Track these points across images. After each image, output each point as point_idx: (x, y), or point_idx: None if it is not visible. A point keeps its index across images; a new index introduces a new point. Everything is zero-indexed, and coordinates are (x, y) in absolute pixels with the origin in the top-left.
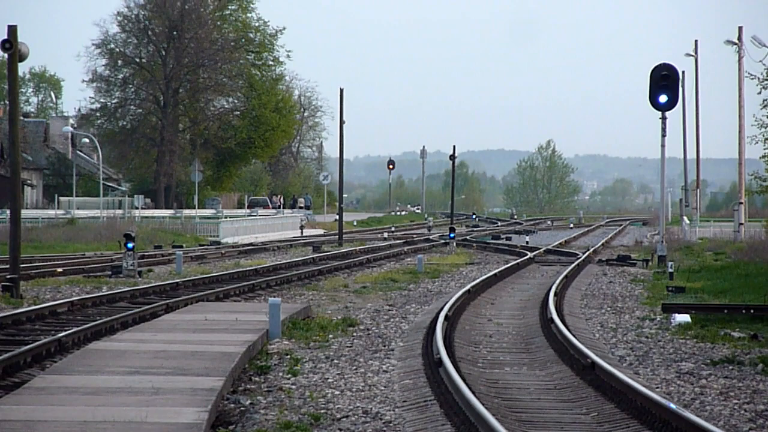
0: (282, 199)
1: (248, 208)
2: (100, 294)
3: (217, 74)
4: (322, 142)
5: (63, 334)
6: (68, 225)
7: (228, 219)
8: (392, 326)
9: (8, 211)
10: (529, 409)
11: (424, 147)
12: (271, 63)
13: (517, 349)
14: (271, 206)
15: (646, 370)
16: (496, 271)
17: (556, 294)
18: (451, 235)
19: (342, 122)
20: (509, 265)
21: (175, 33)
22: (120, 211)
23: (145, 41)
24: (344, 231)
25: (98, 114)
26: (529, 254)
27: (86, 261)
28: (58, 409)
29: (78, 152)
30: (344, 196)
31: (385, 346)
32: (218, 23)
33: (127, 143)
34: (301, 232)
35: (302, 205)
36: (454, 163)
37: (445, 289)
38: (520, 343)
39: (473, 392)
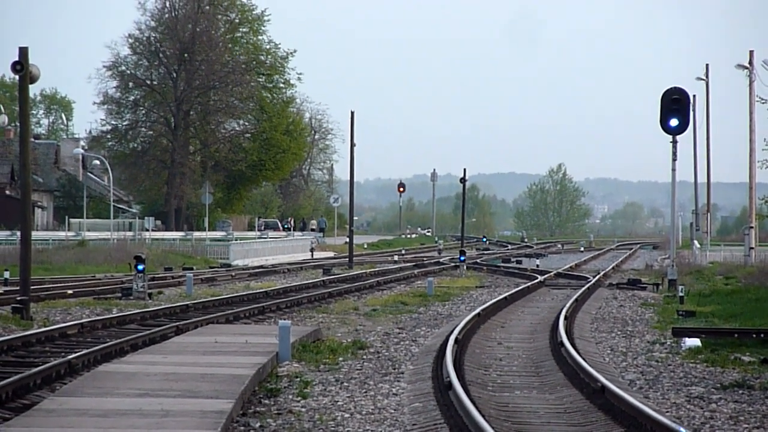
0: (293, 222)
1: (259, 230)
2: (110, 316)
3: (228, 96)
4: (332, 165)
5: (73, 356)
6: (78, 247)
7: (238, 241)
8: (402, 349)
9: (19, 233)
10: None
11: (434, 170)
12: (282, 85)
13: (527, 372)
14: (259, 229)
15: (656, 394)
16: (507, 294)
17: (566, 317)
18: (462, 258)
19: (353, 145)
20: (519, 288)
21: (186, 55)
22: (130, 233)
23: (156, 63)
24: (354, 254)
25: (109, 136)
26: (540, 278)
27: (96, 283)
28: (68, 431)
29: (89, 174)
30: (354, 218)
31: (395, 369)
32: (229, 46)
33: (138, 165)
34: (312, 255)
35: (314, 227)
36: (464, 186)
37: (455, 312)
38: (530, 367)
39: (483, 416)
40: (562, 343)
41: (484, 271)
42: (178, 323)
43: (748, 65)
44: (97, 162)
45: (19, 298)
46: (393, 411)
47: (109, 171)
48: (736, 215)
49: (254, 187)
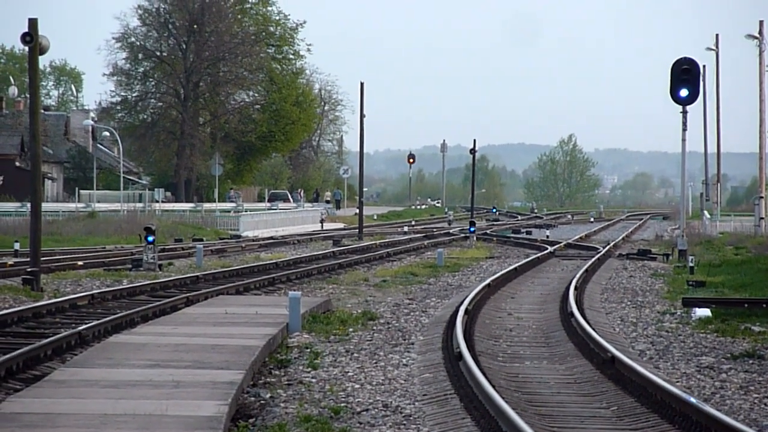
0: (302, 193)
1: (268, 201)
2: (121, 287)
3: (237, 68)
4: (342, 136)
5: (83, 327)
6: (89, 218)
7: (248, 213)
8: (412, 320)
9: (29, 205)
10: (549, 403)
11: (444, 141)
12: (291, 57)
13: (537, 343)
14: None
15: (667, 365)
16: (516, 265)
17: (576, 288)
18: (472, 229)
19: (362, 116)
20: (529, 259)
21: (195, 26)
22: (140, 205)
23: (165, 35)
24: (364, 225)
25: (119, 107)
26: (550, 248)
27: (106, 254)
28: (78, 402)
29: (98, 145)
30: (364, 189)
31: (405, 339)
32: (239, 17)
33: (148, 137)
34: (322, 226)
35: (329, 199)
36: (474, 157)
37: (465, 283)
38: (540, 337)
39: (493, 386)
40: (572, 314)
41: (494, 242)
42: (188, 294)
43: (758, 35)
44: (107, 133)
45: (29, 270)
46: (403, 382)
47: (119, 142)
48: (746, 185)
49: (264, 158)
